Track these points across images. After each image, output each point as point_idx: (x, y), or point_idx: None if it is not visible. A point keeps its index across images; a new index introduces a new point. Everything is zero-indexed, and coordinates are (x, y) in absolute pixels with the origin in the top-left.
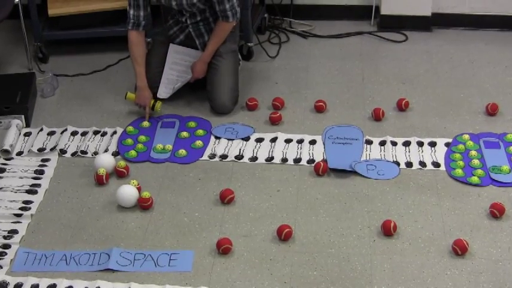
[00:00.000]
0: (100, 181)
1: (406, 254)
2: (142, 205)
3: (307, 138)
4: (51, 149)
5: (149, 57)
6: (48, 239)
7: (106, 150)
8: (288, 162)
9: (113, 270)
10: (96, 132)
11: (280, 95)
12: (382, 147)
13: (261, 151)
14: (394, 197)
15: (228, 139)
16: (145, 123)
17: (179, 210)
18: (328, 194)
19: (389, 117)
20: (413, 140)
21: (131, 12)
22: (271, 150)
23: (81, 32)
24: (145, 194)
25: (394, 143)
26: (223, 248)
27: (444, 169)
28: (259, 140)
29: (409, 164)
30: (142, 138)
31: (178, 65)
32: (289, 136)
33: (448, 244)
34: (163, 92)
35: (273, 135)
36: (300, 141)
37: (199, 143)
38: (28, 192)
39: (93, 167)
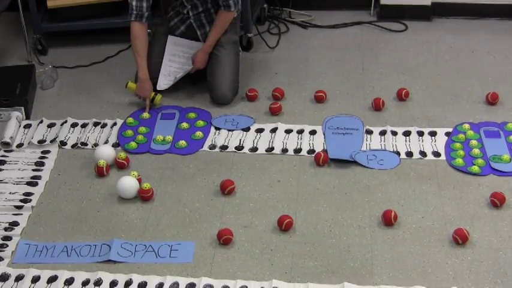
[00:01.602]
0: (100, 173)
1: (406, 243)
2: (143, 196)
3: (308, 128)
4: (51, 141)
5: (150, 48)
6: (49, 230)
7: (106, 142)
8: (288, 153)
9: (114, 262)
10: (96, 124)
11: (280, 85)
12: (383, 137)
13: (261, 142)
14: (395, 187)
15: (228, 130)
16: (145, 115)
17: (180, 201)
18: (328, 184)
19: (390, 107)
20: (414, 129)
21: (134, 3)
22: (271, 141)
23: (80, 23)
24: (146, 186)
25: (394, 133)
26: (224, 239)
27: (444, 159)
28: (260, 131)
29: (409, 154)
30: (142, 129)
31: (178, 57)
32: (289, 126)
33: (448, 233)
34: (163, 83)
35: (273, 125)
36: (300, 132)
37: (199, 134)
38: (28, 184)
39: (94, 159)
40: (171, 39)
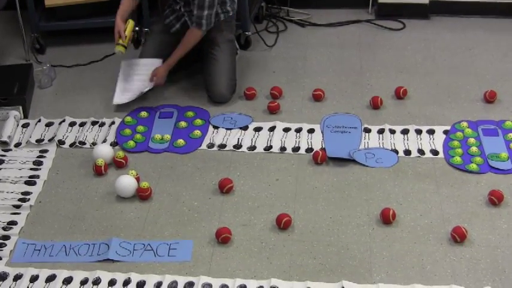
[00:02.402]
0: (99, 172)
1: (405, 241)
2: (141, 195)
3: (306, 127)
4: (50, 140)
5: (145, 46)
6: (47, 229)
7: (104, 141)
8: (287, 151)
9: (112, 261)
10: (94, 123)
11: (278, 84)
12: (381, 135)
13: (259, 140)
14: (393, 185)
15: (227, 128)
16: (143, 114)
17: (178, 200)
18: (326, 183)
19: (388, 106)
20: (412, 128)
21: None
22: (269, 139)
23: (78, 22)
24: (144, 184)
25: (392, 131)
26: (223, 237)
27: (443, 157)
28: (258, 129)
29: (407, 152)
30: (140, 128)
31: (136, 75)
32: (287, 125)
33: (447, 231)
34: (119, 98)
35: (271, 124)
36: (299, 130)
37: (197, 132)
38: (27, 183)
39: (92, 158)
40: (124, 63)
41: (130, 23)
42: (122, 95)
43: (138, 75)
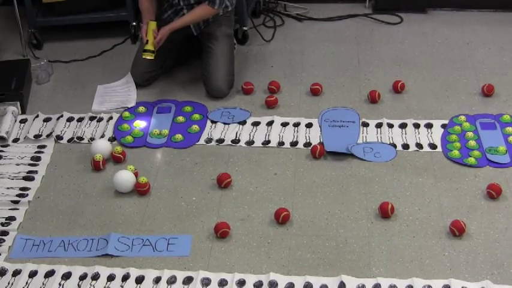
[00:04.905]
0: (97, 167)
1: (403, 235)
2: (140, 190)
3: (304, 121)
4: (48, 136)
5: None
6: (45, 225)
7: (102, 136)
8: (285, 146)
9: (111, 256)
10: (92, 118)
11: (276, 78)
12: (379, 129)
13: (257, 135)
14: (391, 179)
15: (225, 123)
16: (141, 108)
17: (176, 194)
18: (325, 177)
19: (386, 100)
20: (410, 122)
21: None
22: (267, 134)
23: (75, 17)
24: (142, 179)
25: (390, 125)
26: (221, 232)
27: (441, 150)
28: (256, 124)
29: (405, 146)
30: (138, 123)
31: (112, 96)
32: (285, 119)
33: (445, 225)
34: (98, 107)
35: (269, 118)
36: (297, 125)
37: (195, 127)
38: (25, 178)
39: (90, 153)
40: (99, 88)
41: (150, 25)
42: (100, 105)
43: (117, 92)
